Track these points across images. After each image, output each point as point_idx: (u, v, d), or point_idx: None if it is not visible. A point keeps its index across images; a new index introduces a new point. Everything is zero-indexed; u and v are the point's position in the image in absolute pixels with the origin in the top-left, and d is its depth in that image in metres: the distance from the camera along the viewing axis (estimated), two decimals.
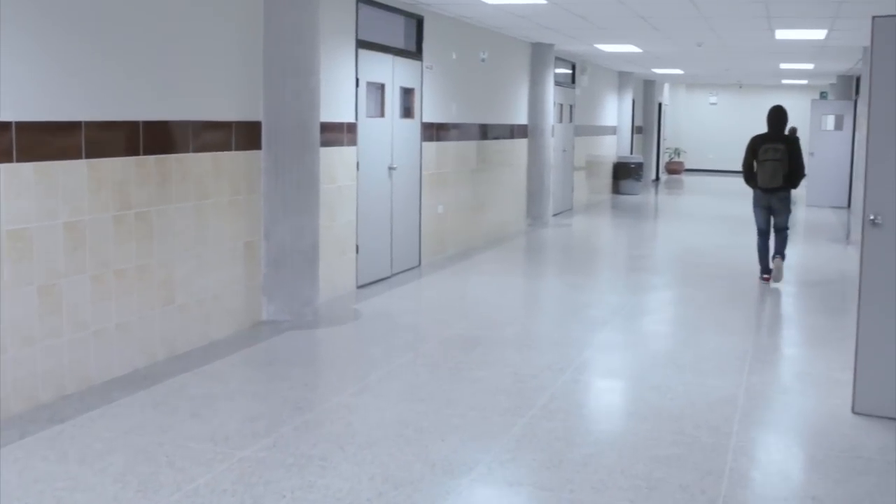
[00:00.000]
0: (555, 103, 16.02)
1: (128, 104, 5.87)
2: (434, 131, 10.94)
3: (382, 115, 9.61)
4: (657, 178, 26.73)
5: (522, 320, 7.91)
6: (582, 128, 18.35)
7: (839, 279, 10.54)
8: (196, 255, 6.63)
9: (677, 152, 29.19)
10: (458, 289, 9.33)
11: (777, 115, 9.55)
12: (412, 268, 10.41)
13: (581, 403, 5.66)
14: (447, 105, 11.34)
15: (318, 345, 6.94)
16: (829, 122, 19.98)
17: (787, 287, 9.82)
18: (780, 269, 9.64)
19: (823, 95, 25.49)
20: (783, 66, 18.38)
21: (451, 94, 11.45)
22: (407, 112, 10.33)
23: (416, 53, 10.40)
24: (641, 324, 7.98)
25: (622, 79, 21.88)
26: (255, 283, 7.45)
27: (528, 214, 14.82)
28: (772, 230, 9.75)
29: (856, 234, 13.58)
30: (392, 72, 9.72)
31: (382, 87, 9.57)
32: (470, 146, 12.14)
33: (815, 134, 19.58)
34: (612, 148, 21.55)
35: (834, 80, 22.58)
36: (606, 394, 5.89)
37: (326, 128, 8.35)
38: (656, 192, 23.19)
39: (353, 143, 8.92)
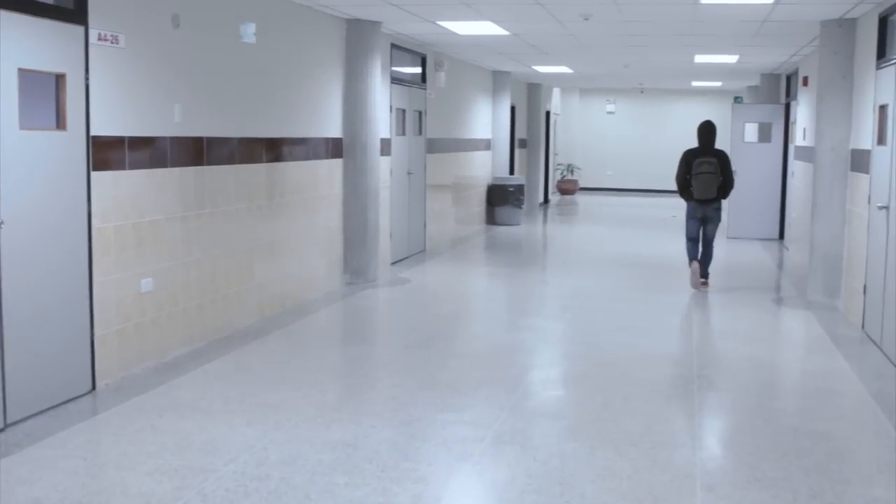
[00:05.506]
0: (392, 108, 11.48)
1: None
2: (124, 152, 6.21)
3: None
4: (546, 201, 22.41)
5: None
6: (439, 142, 13.81)
7: (809, 397, 6.13)
8: None
9: (570, 169, 24.95)
10: (119, 461, 4.63)
11: (707, 130, 10.06)
12: (72, 399, 5.69)
13: None
14: (163, 107, 6.64)
15: None
16: (753, 132, 15.89)
17: (732, 424, 5.38)
18: (696, 276, 10.10)
19: (738, 100, 21.54)
20: (699, 59, 14.12)
21: (172, 88, 6.75)
22: (52, 117, 5.60)
23: (71, 12, 5.68)
24: None
25: (497, 80, 17.45)
26: None
27: (346, 268, 10.18)
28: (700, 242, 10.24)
29: (814, 293, 9.33)
30: None
31: None
32: (225, 173, 7.45)
33: (738, 147, 15.44)
34: (486, 167, 17.09)
35: (754, 82, 18.59)
36: None
37: None
38: (544, 220, 18.83)
39: None
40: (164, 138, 6.66)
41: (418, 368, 6.68)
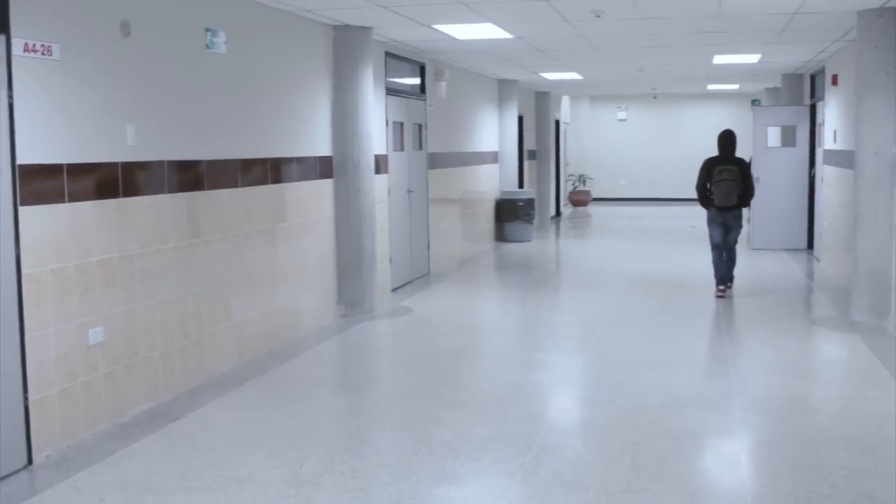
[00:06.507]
0: (388, 122, 10.57)
1: None
2: (62, 182, 5.30)
3: None
4: (558, 214, 21.46)
5: None
6: (441, 156, 12.89)
7: (877, 448, 5.15)
8: None
9: (582, 180, 23.99)
10: None
11: (728, 139, 10.08)
12: (1, 479, 4.78)
13: None
14: (112, 128, 5.73)
15: None
16: (776, 135, 14.93)
17: (793, 493, 4.40)
18: (727, 291, 10.20)
19: (756, 103, 20.60)
20: (718, 59, 13.17)
21: (123, 106, 5.85)
22: None
23: None
24: None
25: (503, 89, 16.53)
26: None
27: (339, 299, 9.25)
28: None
29: (858, 312, 8.37)
30: None
31: None
32: (193, 201, 6.54)
33: (760, 152, 14.48)
34: (493, 181, 16.15)
35: (774, 84, 17.62)
36: None
37: None
38: (557, 235, 17.88)
39: None
40: (114, 164, 5.75)
41: (415, 423, 5.73)
